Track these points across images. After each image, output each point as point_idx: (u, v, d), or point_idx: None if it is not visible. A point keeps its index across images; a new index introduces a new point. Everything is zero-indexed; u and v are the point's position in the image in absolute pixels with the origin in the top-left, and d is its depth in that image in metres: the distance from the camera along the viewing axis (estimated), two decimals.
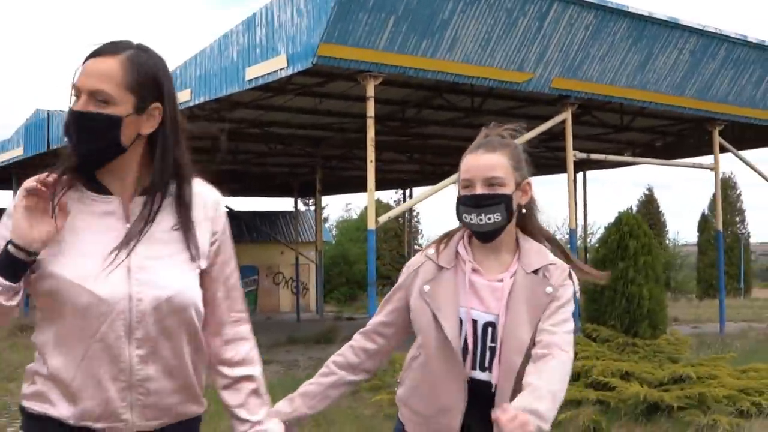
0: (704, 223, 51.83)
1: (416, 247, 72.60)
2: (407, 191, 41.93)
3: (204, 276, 3.28)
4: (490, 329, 3.80)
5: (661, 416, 11.84)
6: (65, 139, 3.10)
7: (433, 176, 32.60)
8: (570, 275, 3.88)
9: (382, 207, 56.33)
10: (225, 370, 3.39)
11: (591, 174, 37.43)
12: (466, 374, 3.80)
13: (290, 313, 40.70)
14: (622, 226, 14.78)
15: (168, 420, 3.17)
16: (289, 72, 16.86)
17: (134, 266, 3.07)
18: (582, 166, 31.46)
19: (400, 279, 4.08)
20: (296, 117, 24.88)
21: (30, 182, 3.00)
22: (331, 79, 19.11)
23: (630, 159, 29.38)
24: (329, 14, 15.30)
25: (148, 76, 3.14)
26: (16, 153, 29.03)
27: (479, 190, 3.83)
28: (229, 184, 38.25)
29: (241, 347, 3.41)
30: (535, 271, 3.84)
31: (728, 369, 13.46)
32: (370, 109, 16.80)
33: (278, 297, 44.35)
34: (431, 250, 4.02)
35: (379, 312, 4.14)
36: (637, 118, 25.30)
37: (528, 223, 4.03)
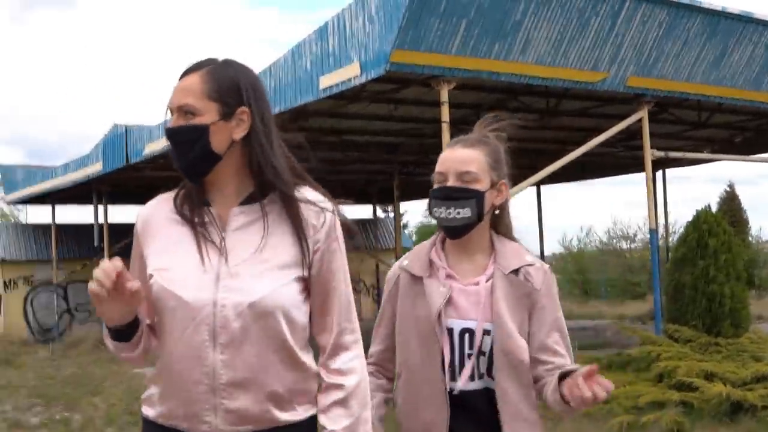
0: None
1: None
2: None
3: (310, 284, 3.33)
4: (467, 336, 3.76)
5: (745, 415, 11.72)
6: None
7: (511, 178, 32.53)
8: (551, 274, 3.88)
9: None
10: (323, 375, 3.40)
11: (671, 172, 37.13)
12: (444, 385, 3.76)
13: (372, 320, 40.58)
14: (701, 225, 14.66)
15: (255, 426, 3.19)
16: (363, 80, 16.88)
17: (224, 273, 3.17)
18: (661, 164, 31.14)
19: (383, 297, 4.06)
20: (371, 124, 24.91)
21: (98, 278, 3.08)
22: (405, 85, 19.07)
23: (709, 156, 29.02)
24: (400, 20, 15.30)
25: (229, 83, 3.28)
26: (96, 168, 29.35)
27: (451, 183, 3.81)
28: None
29: (341, 356, 3.41)
30: (514, 272, 3.80)
31: None
32: (445, 114, 16.77)
33: (360, 304, 44.40)
34: (405, 261, 3.98)
35: (375, 339, 4.11)
36: (714, 115, 24.97)
37: (500, 225, 3.98)
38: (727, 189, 57.19)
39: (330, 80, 17.76)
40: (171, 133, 3.25)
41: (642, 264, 53.50)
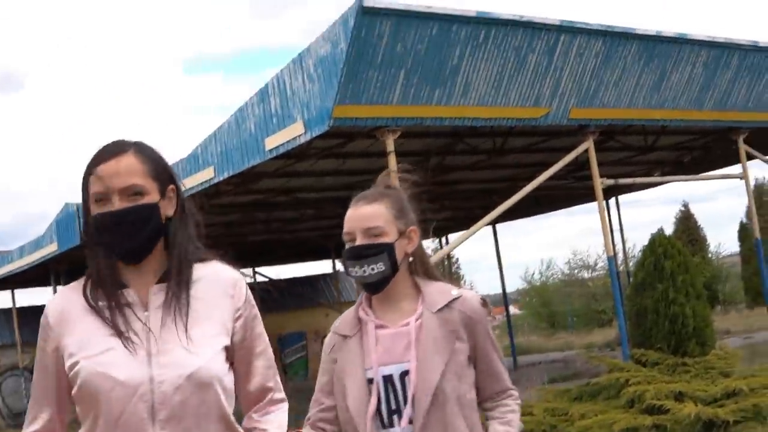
0: (744, 232, 51.38)
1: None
2: (443, 238, 41.83)
3: (234, 353, 3.35)
4: (406, 378, 3.79)
5: None
6: (94, 241, 3.23)
7: (466, 220, 32.46)
8: (484, 301, 3.93)
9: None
10: (247, 424, 3.45)
11: (624, 197, 37.36)
12: None
13: None
14: (656, 248, 14.75)
15: None
16: (308, 137, 16.92)
17: (154, 350, 3.16)
18: (613, 191, 31.37)
19: (322, 364, 4.07)
20: (322, 180, 24.95)
21: None
22: (350, 138, 19.15)
23: (658, 179, 29.23)
24: (339, 76, 15.38)
25: (158, 161, 3.34)
26: (51, 249, 29.22)
27: (359, 241, 3.89)
28: (265, 254, 38.47)
29: (270, 414, 3.47)
30: (441, 309, 3.84)
31: None
32: (392, 163, 16.82)
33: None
34: (336, 323, 4.07)
35: (313, 406, 4.08)
36: (660, 137, 25.16)
37: (420, 269, 4.03)
38: (682, 209, 57.69)
39: (275, 141, 17.80)
40: (122, 214, 3.20)
41: (605, 291, 53.77)
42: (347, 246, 3.96)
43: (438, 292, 3.92)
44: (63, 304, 3.31)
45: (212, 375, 3.20)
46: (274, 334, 41.18)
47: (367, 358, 3.85)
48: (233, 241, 34.62)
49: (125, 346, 3.16)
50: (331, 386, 3.98)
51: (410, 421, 3.75)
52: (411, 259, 3.99)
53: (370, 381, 3.83)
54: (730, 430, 11.71)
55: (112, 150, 3.27)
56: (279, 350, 42.45)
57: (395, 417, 3.77)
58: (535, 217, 39.44)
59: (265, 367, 3.47)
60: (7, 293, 37.75)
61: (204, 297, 3.32)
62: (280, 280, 42.48)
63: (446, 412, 3.72)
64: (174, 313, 3.24)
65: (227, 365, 3.30)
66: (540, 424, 13.44)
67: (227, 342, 3.31)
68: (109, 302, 3.24)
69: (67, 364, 3.18)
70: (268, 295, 40.70)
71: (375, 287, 3.91)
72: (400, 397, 3.78)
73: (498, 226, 36.48)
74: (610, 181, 20.46)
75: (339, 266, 45.37)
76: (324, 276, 44.61)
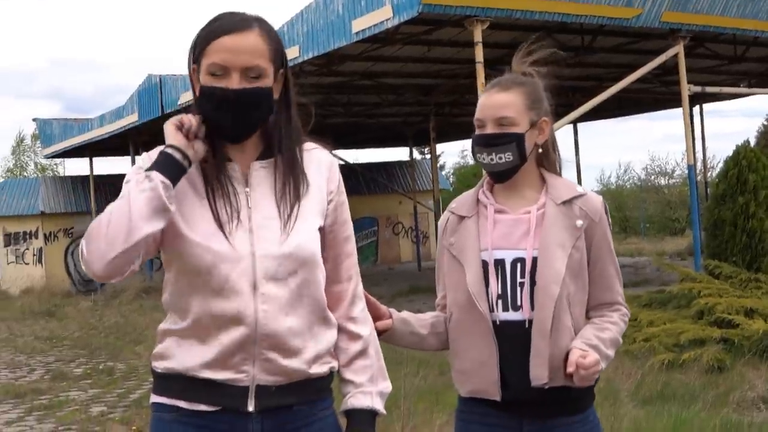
0: None
1: None
2: None
3: (323, 235, 3.32)
4: (519, 265, 3.73)
5: None
6: (202, 114, 3.17)
7: (554, 113, 32.30)
8: (604, 203, 3.84)
9: None
10: (343, 324, 3.40)
11: (709, 106, 36.85)
12: (492, 319, 3.71)
13: (411, 263, 40.80)
14: (740, 160, 14.51)
15: (290, 379, 3.19)
16: (395, 22, 16.82)
17: (255, 226, 3.15)
18: (698, 99, 30.94)
19: (438, 246, 4.02)
20: (406, 66, 24.83)
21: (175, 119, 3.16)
22: (438, 26, 18.98)
23: (746, 90, 28.80)
24: None
25: (278, 44, 3.26)
26: (132, 119, 29.46)
27: (490, 129, 3.77)
28: (344, 137, 38.49)
29: (357, 305, 3.43)
30: (565, 203, 3.76)
31: None
32: (479, 54, 16.70)
33: (398, 247, 44.43)
34: (453, 204, 3.97)
35: (438, 288, 4.06)
36: (751, 48, 24.69)
37: (547, 162, 3.92)
38: (765, 123, 56.71)
39: (362, 23, 17.70)
40: (243, 94, 3.14)
41: (681, 200, 53.34)
42: (477, 132, 3.84)
43: (564, 185, 3.84)
44: None
45: (309, 253, 3.20)
46: None
47: (482, 239, 3.79)
48: (314, 123, 34.74)
49: (229, 220, 3.14)
50: (443, 273, 3.97)
51: (518, 308, 3.72)
52: (540, 150, 3.88)
53: (483, 263, 3.78)
54: None
55: (238, 24, 3.17)
56: None
57: (500, 301, 3.72)
58: (615, 119, 39.02)
59: (352, 254, 3.45)
60: (86, 161, 38.30)
61: (301, 177, 3.29)
62: (356, 164, 42.59)
63: (558, 306, 3.66)
64: (273, 190, 3.23)
65: (319, 248, 3.28)
66: None
67: (321, 223, 3.30)
68: (217, 174, 3.20)
69: (178, 226, 3.13)
70: (343, 178, 41.04)
71: (501, 176, 3.82)
72: (508, 284, 3.73)
73: (579, 125, 36.10)
74: (697, 88, 20.11)
75: (416, 154, 45.40)
76: (400, 163, 44.60)
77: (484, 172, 3.93)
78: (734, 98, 33.37)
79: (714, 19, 19.45)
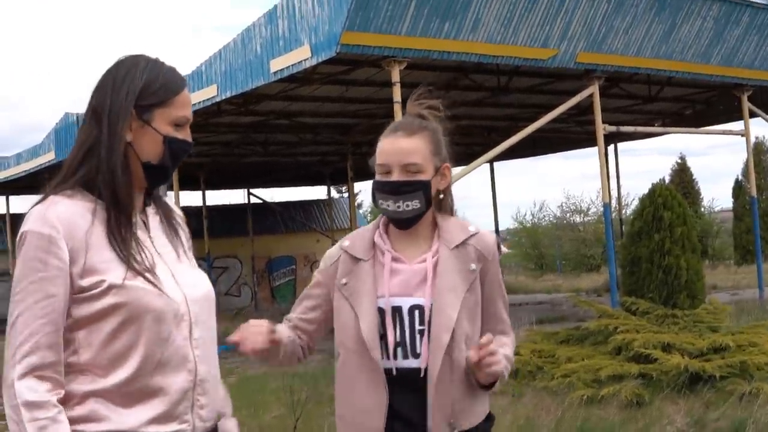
0: (739, 189, 51.31)
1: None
2: None
3: None
4: (417, 312, 3.71)
5: (704, 386, 11.82)
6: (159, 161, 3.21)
7: (464, 156, 32.52)
8: (497, 241, 3.89)
9: None
10: None
11: (624, 145, 37.33)
12: (387, 366, 3.69)
13: None
14: (656, 198, 14.71)
15: (213, 423, 3.20)
16: (314, 62, 16.91)
17: (174, 271, 3.15)
18: (613, 138, 31.37)
19: (318, 275, 3.97)
20: (324, 106, 24.94)
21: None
22: (356, 66, 19.10)
23: (660, 129, 29.29)
24: (350, 2, 15.32)
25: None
26: (49, 157, 29.25)
27: (396, 176, 3.74)
28: (261, 176, 38.47)
29: None
30: (458, 246, 3.77)
31: None
32: (397, 94, 16.83)
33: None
34: (347, 242, 3.92)
35: (296, 309, 4.04)
36: (665, 88, 25.17)
37: (443, 206, 3.93)
38: (679, 161, 57.62)
39: (281, 63, 17.77)
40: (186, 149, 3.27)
41: (596, 237, 53.93)
42: (380, 178, 3.81)
43: (456, 227, 3.84)
44: (73, 211, 3.09)
45: (213, 293, 3.30)
46: (264, 256, 41.28)
47: (379, 287, 3.75)
48: (230, 161, 34.64)
49: (154, 266, 3.09)
50: (322, 303, 3.93)
51: (414, 356, 3.69)
52: (441, 196, 3.89)
53: (380, 310, 3.74)
54: (716, 385, 11.76)
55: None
56: (268, 273, 42.58)
57: (399, 349, 3.69)
58: (530, 158, 39.43)
59: None
60: (2, 199, 37.95)
61: (169, 223, 3.36)
62: (274, 203, 42.57)
63: (454, 350, 3.66)
64: (163, 236, 3.25)
65: None
66: (526, 365, 13.50)
67: None
68: (126, 225, 3.11)
69: (85, 276, 2.97)
70: (260, 217, 40.79)
71: (406, 223, 3.80)
72: (407, 330, 3.71)
73: (495, 164, 36.39)
74: (612, 128, 20.45)
75: (334, 193, 45.46)
76: (318, 202, 44.67)
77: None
78: (649, 137, 33.89)
79: (628, 59, 19.80)
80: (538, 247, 63.83)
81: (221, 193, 43.27)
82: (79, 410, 2.97)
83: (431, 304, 3.69)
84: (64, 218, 3.03)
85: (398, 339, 3.71)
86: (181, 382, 3.06)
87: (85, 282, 2.96)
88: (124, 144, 3.12)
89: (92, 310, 2.99)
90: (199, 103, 20.84)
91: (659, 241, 14.28)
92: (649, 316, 14.00)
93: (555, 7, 17.91)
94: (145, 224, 3.22)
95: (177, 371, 3.05)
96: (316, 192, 41.34)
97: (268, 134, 29.49)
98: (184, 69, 20.63)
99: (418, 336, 3.70)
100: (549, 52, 18.44)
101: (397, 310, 3.72)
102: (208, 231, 34.90)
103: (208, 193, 37.76)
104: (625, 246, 15.32)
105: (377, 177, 3.81)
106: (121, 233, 3.08)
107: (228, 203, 43.56)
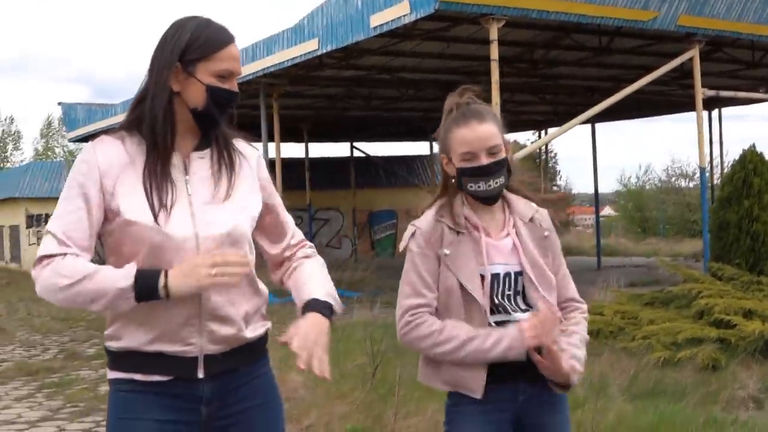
0: None
1: (554, 187, 72.35)
2: (543, 132, 41.70)
3: (263, 206, 3.78)
4: (507, 279, 4.12)
5: None
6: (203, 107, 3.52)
7: (566, 116, 32.32)
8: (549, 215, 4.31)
9: (519, 148, 56.19)
10: (290, 254, 3.94)
11: (729, 110, 36.85)
12: (487, 323, 4.06)
13: None
14: (746, 164, 14.67)
15: (230, 345, 3.60)
16: (412, 18, 17.04)
17: (196, 210, 3.52)
18: (716, 103, 31.05)
19: (416, 245, 4.17)
20: (425, 62, 25.00)
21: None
22: (455, 23, 19.15)
23: (762, 95, 28.92)
24: None
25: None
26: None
27: (484, 160, 4.06)
28: (363, 130, 38.65)
29: (304, 248, 3.98)
30: (530, 219, 4.20)
31: None
32: (494, 52, 16.89)
33: None
34: (442, 216, 4.20)
35: (418, 296, 4.17)
36: None
37: (512, 177, 4.27)
38: None
39: (380, 19, 17.91)
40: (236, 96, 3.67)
41: (700, 203, 53.30)
42: (468, 164, 4.10)
43: (523, 204, 4.25)
44: (112, 151, 3.54)
45: (243, 233, 3.62)
46: (365, 209, 41.56)
47: (478, 257, 4.10)
48: (334, 115, 34.90)
49: (172, 205, 3.49)
50: (435, 279, 4.15)
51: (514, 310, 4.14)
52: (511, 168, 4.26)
53: (482, 277, 4.12)
54: None
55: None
56: (369, 226, 42.89)
57: (497, 309, 4.11)
58: (639, 120, 39.06)
59: (289, 218, 4.00)
60: None
61: (234, 165, 3.70)
62: (376, 157, 42.76)
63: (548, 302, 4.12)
64: (209, 177, 3.62)
65: (251, 230, 3.72)
66: (608, 325, 13.60)
67: (256, 207, 3.75)
68: (155, 163, 3.54)
69: (113, 205, 3.46)
70: (362, 171, 40.99)
71: (494, 199, 4.17)
72: (505, 293, 4.12)
73: (599, 125, 36.11)
74: (711, 93, 20.28)
75: (436, 149, 45.50)
76: (420, 157, 44.73)
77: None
78: (751, 103, 33.46)
79: (730, 24, 19.59)
80: (642, 210, 63.37)
81: (324, 146, 43.52)
82: (108, 331, 3.60)
83: (520, 271, 4.12)
84: (104, 155, 3.52)
85: (497, 301, 4.10)
86: (181, 308, 3.45)
87: (111, 211, 3.47)
88: (169, 93, 3.54)
89: (113, 239, 3.52)
90: (301, 56, 21.11)
91: (748, 207, 14.26)
92: (734, 282, 14.01)
93: None
94: (186, 166, 3.59)
95: (179, 301, 3.42)
96: (419, 147, 41.54)
97: (370, 88, 29.63)
98: (287, 22, 20.90)
99: (512, 298, 4.12)
100: (650, 14, 18.34)
101: (495, 277, 4.10)
102: (310, 183, 35.20)
103: (312, 145, 38.04)
104: (715, 211, 15.29)
105: (463, 164, 4.11)
106: (153, 173, 3.51)
107: (331, 156, 43.78)
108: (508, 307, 4.09)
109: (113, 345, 3.59)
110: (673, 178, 63.39)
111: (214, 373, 3.58)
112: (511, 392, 4.10)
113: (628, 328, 13.49)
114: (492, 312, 4.06)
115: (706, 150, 28.43)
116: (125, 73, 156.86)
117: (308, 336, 3.45)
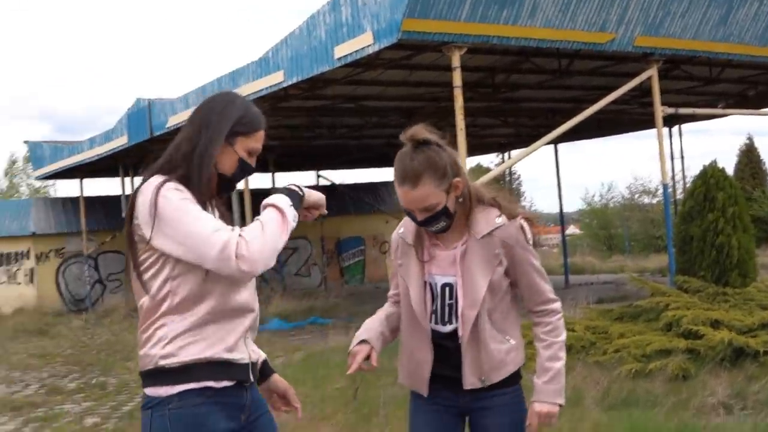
0: None
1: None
2: (506, 154, 42.04)
3: None
4: (447, 289, 4.60)
5: (747, 361, 12.15)
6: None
7: (528, 138, 32.67)
8: (521, 227, 4.60)
9: (483, 171, 56.58)
10: None
11: (690, 126, 37.27)
12: (428, 329, 4.63)
13: None
14: (708, 179, 14.98)
15: (252, 358, 4.17)
16: (376, 48, 17.32)
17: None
18: (676, 119, 31.46)
19: (391, 257, 4.91)
20: (388, 90, 25.27)
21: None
22: (418, 51, 19.44)
23: (720, 111, 29.35)
24: None
25: None
26: (121, 142, 29.85)
27: (419, 216, 4.51)
28: (329, 158, 38.87)
29: None
30: (484, 236, 4.56)
31: None
32: (457, 78, 17.20)
33: (385, 266, 44.73)
34: (401, 229, 4.81)
35: (391, 285, 4.99)
36: (725, 70, 25.21)
37: (472, 200, 4.63)
38: (747, 141, 57.36)
39: (344, 50, 18.20)
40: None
41: (664, 218, 53.73)
42: (407, 213, 4.58)
43: (484, 220, 4.60)
44: None
45: None
46: (333, 237, 41.74)
47: (423, 267, 4.68)
48: (298, 144, 35.13)
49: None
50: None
51: (449, 322, 4.64)
52: (461, 199, 4.59)
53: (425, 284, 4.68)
54: (760, 360, 12.07)
55: None
56: (337, 253, 43.07)
57: (433, 316, 4.65)
58: (600, 139, 39.47)
59: None
60: (76, 182, 38.72)
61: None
62: (342, 185, 43.00)
63: (479, 319, 4.54)
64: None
65: None
66: (580, 340, 13.86)
67: None
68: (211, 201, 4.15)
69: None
70: (329, 199, 41.20)
71: (440, 232, 4.64)
72: (439, 302, 4.63)
73: (562, 146, 36.56)
74: (671, 110, 20.64)
75: None
76: (385, 183, 44.98)
77: None
78: (710, 119, 33.91)
79: (685, 42, 19.98)
80: (607, 227, 63.90)
81: (291, 175, 43.77)
82: (165, 350, 3.95)
83: (457, 283, 4.58)
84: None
85: (434, 308, 4.65)
86: (248, 320, 4.08)
87: None
88: (214, 157, 4.01)
89: (181, 267, 3.93)
90: (267, 88, 21.38)
91: (713, 221, 14.55)
92: (700, 294, 14.32)
93: None
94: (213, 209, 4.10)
95: (248, 311, 4.09)
96: (384, 174, 41.95)
97: (335, 118, 29.90)
98: (253, 55, 21.14)
99: (447, 307, 4.62)
100: (607, 36, 18.73)
101: (432, 285, 4.64)
102: None
103: (278, 175, 38.29)
104: (678, 226, 15.59)
105: (405, 210, 4.55)
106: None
107: None
108: (443, 317, 4.63)
109: (174, 361, 3.90)
110: (636, 195, 64.01)
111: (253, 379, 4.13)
112: (453, 394, 4.64)
113: (600, 343, 13.78)
114: (430, 319, 4.62)
115: (668, 166, 28.91)
116: (85, 108, 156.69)
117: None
